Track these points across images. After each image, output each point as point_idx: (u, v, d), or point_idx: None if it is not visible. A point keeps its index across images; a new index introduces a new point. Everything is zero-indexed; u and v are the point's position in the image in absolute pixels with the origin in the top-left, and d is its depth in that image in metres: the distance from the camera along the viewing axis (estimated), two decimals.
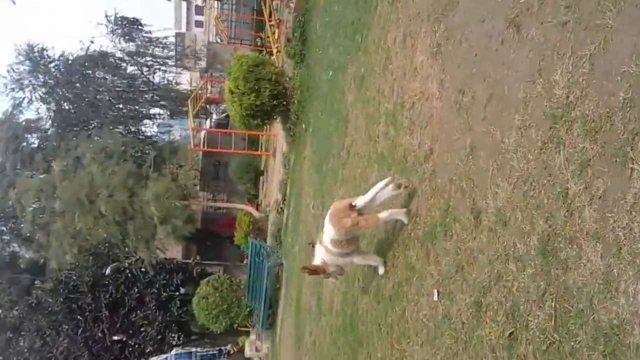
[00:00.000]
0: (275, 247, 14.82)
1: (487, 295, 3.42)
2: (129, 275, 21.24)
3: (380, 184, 4.80)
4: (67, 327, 19.93)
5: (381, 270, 5.30)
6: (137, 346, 21.20)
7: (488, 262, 3.46)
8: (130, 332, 21.19)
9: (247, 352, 17.38)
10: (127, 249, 21.59)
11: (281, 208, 14.71)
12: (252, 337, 17.24)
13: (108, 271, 20.78)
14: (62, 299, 20.19)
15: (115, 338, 21.28)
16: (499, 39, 3.72)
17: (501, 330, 3.19)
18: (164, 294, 20.98)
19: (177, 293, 21.70)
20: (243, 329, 17.99)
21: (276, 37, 17.48)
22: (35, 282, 24.32)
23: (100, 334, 20.17)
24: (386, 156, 5.93)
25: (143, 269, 21.07)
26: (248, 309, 16.16)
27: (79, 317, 19.94)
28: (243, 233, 18.66)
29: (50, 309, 20.33)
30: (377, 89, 6.51)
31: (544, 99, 3.07)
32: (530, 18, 3.33)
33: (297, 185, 12.54)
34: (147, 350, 20.95)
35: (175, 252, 25.57)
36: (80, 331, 19.78)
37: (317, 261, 5.24)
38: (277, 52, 16.90)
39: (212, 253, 27.32)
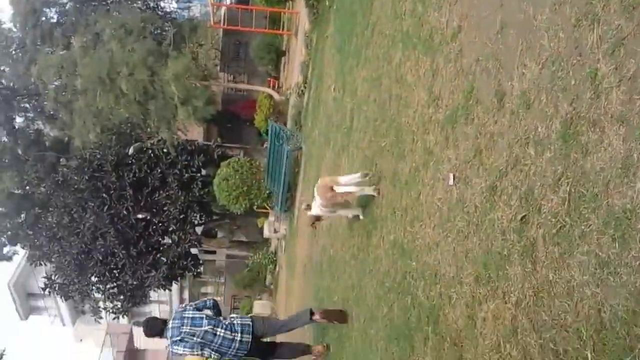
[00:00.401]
0: (295, 131, 14.89)
1: (502, 179, 3.42)
2: (152, 155, 21.76)
3: (356, 176, 6.30)
4: (92, 204, 20.80)
5: (362, 216, 6.55)
6: (160, 224, 22.26)
7: (507, 146, 3.43)
8: (154, 210, 22.14)
9: (266, 233, 18.17)
10: (149, 129, 22.00)
11: (302, 91, 14.57)
12: (271, 218, 17.92)
13: (131, 151, 21.30)
14: (87, 177, 20.90)
15: (140, 216, 22.33)
16: None
17: (513, 213, 3.22)
18: (186, 174, 21.58)
19: (198, 174, 22.34)
20: (262, 210, 18.65)
21: None
22: (61, 160, 25.12)
23: (124, 212, 21.08)
24: (412, 35, 5.71)
25: (165, 150, 21.53)
26: (267, 192, 16.64)
27: (104, 195, 20.75)
28: (263, 116, 18.70)
29: (76, 186, 21.12)
30: None
31: None
32: None
33: (318, 66, 12.29)
34: (170, 229, 22.03)
35: (196, 133, 25.97)
36: (105, 209, 20.67)
37: (314, 212, 6.92)
38: None
39: (232, 136, 27.67)
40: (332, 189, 6.29)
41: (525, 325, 2.95)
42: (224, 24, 21.68)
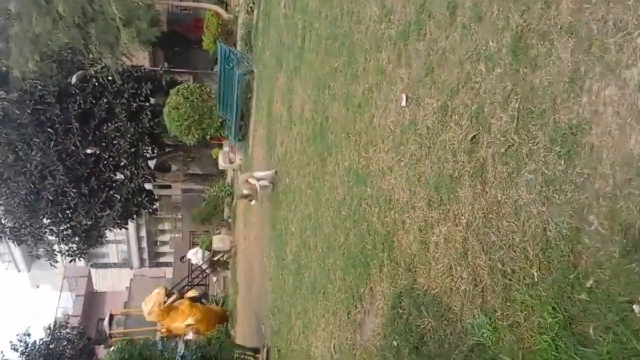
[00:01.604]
0: (246, 53, 14.49)
1: (454, 98, 3.43)
2: (96, 84, 20.99)
3: (269, 173, 9.47)
4: (38, 140, 20.15)
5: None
6: (111, 159, 21.81)
7: (458, 63, 3.41)
8: (103, 144, 21.58)
9: (221, 164, 18.07)
10: (91, 55, 21.01)
11: (251, 8, 14.07)
12: (226, 149, 17.76)
13: (74, 80, 20.48)
14: (29, 111, 20.11)
15: (89, 151, 21.78)
16: None
17: (464, 134, 3.26)
18: (134, 104, 20.95)
19: (147, 104, 21.71)
20: (216, 141, 18.45)
21: None
22: (0, 93, 24.03)
23: (72, 147, 20.52)
24: None
25: (110, 78, 20.75)
26: (220, 120, 16.38)
27: (49, 129, 20.06)
28: (212, 37, 18.09)
29: (18, 121, 20.36)
30: None
31: None
32: None
33: None
34: (122, 164, 21.66)
35: (142, 59, 25.03)
36: (52, 144, 20.06)
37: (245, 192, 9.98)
38: None
39: (181, 60, 26.85)
40: (247, 181, 9.69)
41: (475, 247, 3.05)
42: None
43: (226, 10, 19.42)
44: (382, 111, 4.61)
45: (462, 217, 3.19)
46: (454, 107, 3.42)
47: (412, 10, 4.20)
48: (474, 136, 3.15)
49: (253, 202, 10.62)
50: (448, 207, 3.37)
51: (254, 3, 13.83)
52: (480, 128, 3.09)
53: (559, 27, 2.52)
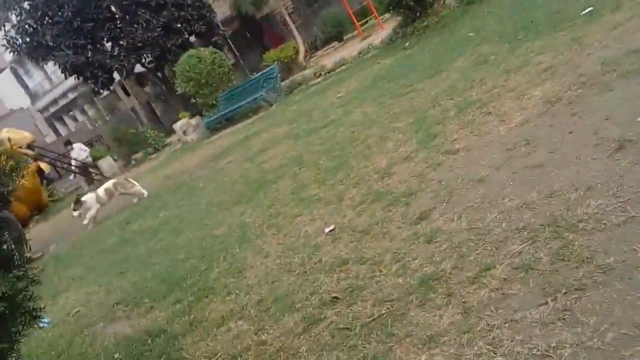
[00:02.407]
0: (282, 92, 15.01)
1: None
2: None
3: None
4: None
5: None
6: (120, 27, 21.81)
7: None
8: (127, 17, 21.67)
9: (176, 127, 17.99)
10: None
11: (319, 74, 14.78)
12: (193, 121, 17.72)
13: None
14: None
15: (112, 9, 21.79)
16: None
17: None
18: (175, 25, 21.29)
19: (188, 36, 22.33)
20: (196, 108, 18.41)
21: None
22: None
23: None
24: None
25: None
26: (214, 100, 16.50)
27: None
28: (276, 57, 18.68)
29: None
30: None
31: None
32: None
33: (353, 70, 12.52)
34: (123, 40, 21.67)
35: (223, 8, 25.41)
36: None
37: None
38: None
39: (238, 41, 27.46)
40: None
41: None
42: None
43: (305, 56, 20.24)
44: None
45: None
46: None
47: None
48: None
49: (75, 213, 10.00)
50: None
51: (325, 75, 14.53)
52: None
53: None
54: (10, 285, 2.07)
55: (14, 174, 2.41)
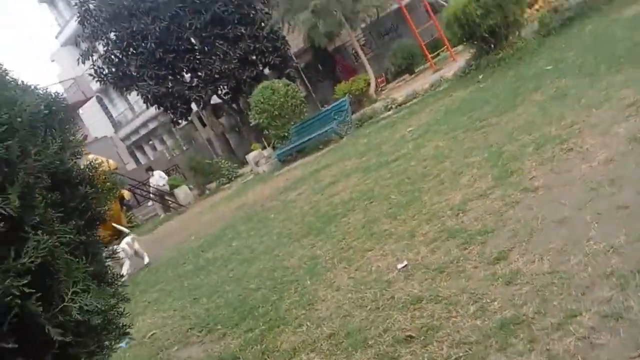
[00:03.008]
0: (353, 124, 15.11)
1: None
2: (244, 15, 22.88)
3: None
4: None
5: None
6: (198, 60, 22.81)
7: None
8: (206, 49, 22.63)
9: (249, 157, 18.41)
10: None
11: (391, 107, 14.78)
12: (265, 153, 18.07)
13: None
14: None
15: (192, 41, 22.86)
16: None
17: None
18: (251, 57, 22.06)
19: (262, 69, 23.17)
20: (266, 141, 18.77)
21: None
22: None
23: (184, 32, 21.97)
24: None
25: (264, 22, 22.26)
26: (286, 132, 16.85)
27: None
28: (347, 89, 18.91)
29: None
30: None
31: None
32: None
33: (422, 106, 12.46)
34: (201, 72, 22.61)
35: (297, 39, 26.04)
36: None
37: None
38: None
39: (309, 72, 27.95)
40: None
41: None
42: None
43: (376, 89, 20.34)
44: None
45: None
46: None
47: None
48: None
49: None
50: None
51: (396, 108, 14.52)
52: None
53: None
54: (106, 301, 2.18)
55: (110, 195, 2.56)
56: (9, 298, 1.69)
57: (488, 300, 3.01)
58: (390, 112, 14.47)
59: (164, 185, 21.11)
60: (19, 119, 2.05)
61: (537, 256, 3.23)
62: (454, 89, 12.26)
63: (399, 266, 4.11)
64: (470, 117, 8.15)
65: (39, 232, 1.84)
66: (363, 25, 26.00)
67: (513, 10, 12.02)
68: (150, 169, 22.55)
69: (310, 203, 8.34)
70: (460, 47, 16.99)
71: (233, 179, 20.64)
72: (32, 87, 2.35)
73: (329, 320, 3.80)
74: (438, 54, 21.29)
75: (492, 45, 12.38)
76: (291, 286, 4.89)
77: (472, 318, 2.93)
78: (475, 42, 12.72)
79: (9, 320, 1.74)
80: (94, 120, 41.76)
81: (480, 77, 11.55)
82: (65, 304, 1.88)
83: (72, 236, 2.02)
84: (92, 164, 2.54)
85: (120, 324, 2.49)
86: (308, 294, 4.48)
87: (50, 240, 1.83)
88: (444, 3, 21.74)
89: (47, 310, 1.84)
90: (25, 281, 1.73)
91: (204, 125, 30.28)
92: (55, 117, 2.33)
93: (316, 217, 7.12)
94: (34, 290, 1.75)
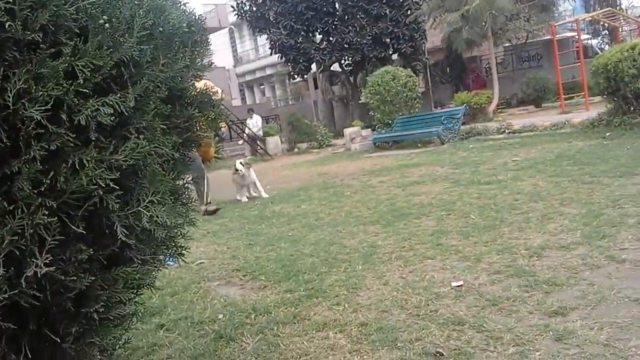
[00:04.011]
0: (457, 133, 14.79)
1: None
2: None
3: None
4: None
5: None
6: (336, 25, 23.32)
7: None
8: (346, 18, 22.75)
9: (346, 132, 18.46)
10: None
11: (503, 131, 14.28)
12: (363, 131, 18.07)
13: None
14: None
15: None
16: None
17: None
18: (390, 41, 21.89)
19: (390, 52, 22.93)
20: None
21: None
22: None
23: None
24: None
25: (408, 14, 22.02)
26: (391, 120, 16.77)
27: None
28: (468, 99, 18.46)
29: None
30: None
31: None
32: None
33: (540, 144, 11.95)
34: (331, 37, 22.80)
35: (436, 37, 25.64)
36: None
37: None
38: None
39: (435, 74, 27.50)
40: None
41: None
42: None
43: (494, 110, 19.73)
44: None
45: None
46: None
47: None
48: None
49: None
50: None
51: (509, 132, 14.03)
52: None
53: None
54: (175, 219, 2.28)
55: (213, 124, 2.66)
56: (94, 186, 1.78)
57: (531, 348, 2.89)
58: (501, 136, 14.00)
59: (258, 130, 21.67)
60: (160, 29, 2.15)
61: (597, 324, 3.04)
62: (575, 136, 11.66)
63: (454, 284, 4.02)
64: (581, 169, 7.74)
65: (141, 136, 1.93)
66: (507, 44, 25.14)
67: None
68: (251, 110, 23.18)
69: (388, 194, 8.29)
70: (597, 99, 16.03)
71: (324, 146, 20.85)
72: (181, 3, 2.45)
73: (367, 309, 3.79)
74: (572, 97, 20.22)
75: (632, 107, 11.60)
76: (342, 264, 4.91)
77: (508, 359, 2.83)
78: (616, 99, 11.96)
79: (85, 208, 1.84)
80: (219, 50, 43.32)
81: (608, 134, 10.90)
82: (139, 209, 1.97)
83: (167, 150, 2.10)
84: (207, 90, 2.63)
85: (179, 244, 2.60)
86: (355, 278, 4.49)
87: (147, 147, 1.92)
88: (599, 51, 20.55)
89: (121, 209, 1.94)
90: (114, 177, 1.82)
91: (316, 87, 30.57)
92: (192, 36, 2.42)
93: (389, 209, 7.08)
94: (117, 187, 1.84)
